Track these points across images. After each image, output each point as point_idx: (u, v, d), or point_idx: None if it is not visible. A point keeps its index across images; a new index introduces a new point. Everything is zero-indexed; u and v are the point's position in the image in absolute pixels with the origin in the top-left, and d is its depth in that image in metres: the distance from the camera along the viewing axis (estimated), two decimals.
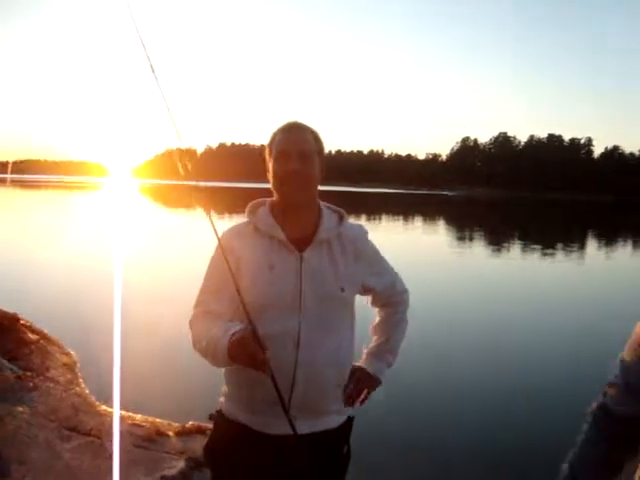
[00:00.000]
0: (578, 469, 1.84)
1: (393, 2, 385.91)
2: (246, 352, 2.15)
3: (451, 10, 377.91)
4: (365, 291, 2.68)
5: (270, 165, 2.49)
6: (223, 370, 2.57)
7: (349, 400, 2.59)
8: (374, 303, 2.79)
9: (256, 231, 2.50)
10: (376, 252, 2.69)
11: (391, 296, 2.76)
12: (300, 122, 2.54)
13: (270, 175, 2.50)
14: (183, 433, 5.50)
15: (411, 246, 26.91)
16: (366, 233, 2.67)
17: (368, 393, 2.69)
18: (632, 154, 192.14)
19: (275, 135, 2.51)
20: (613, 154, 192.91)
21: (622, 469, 1.79)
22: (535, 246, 28.87)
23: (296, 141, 2.46)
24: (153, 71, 2.36)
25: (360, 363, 2.72)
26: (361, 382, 2.65)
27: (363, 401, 2.68)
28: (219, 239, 2.37)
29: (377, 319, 2.82)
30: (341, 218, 2.60)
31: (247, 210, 2.57)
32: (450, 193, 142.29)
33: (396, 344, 2.78)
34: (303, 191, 2.47)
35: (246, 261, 2.44)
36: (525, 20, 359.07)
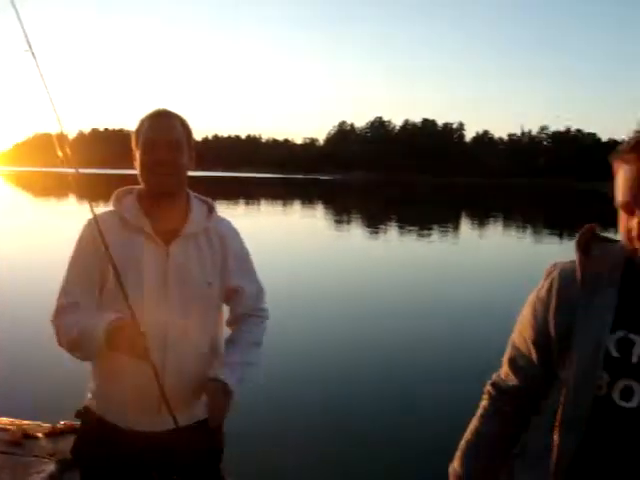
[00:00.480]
0: (474, 443, 1.90)
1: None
2: (127, 338, 2.14)
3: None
4: (232, 291, 2.58)
5: (137, 154, 2.40)
6: (91, 368, 2.50)
7: (213, 422, 2.45)
8: (236, 310, 2.64)
9: (122, 221, 2.41)
10: (246, 253, 2.64)
11: (255, 309, 2.66)
12: (168, 110, 2.46)
13: (137, 164, 2.41)
14: (54, 434, 5.23)
15: (290, 229, 26.99)
16: (236, 231, 2.63)
17: (225, 408, 2.51)
18: (501, 138, 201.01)
19: (142, 122, 2.42)
20: (483, 138, 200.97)
21: (517, 441, 1.84)
22: (411, 227, 29.64)
23: (164, 129, 2.37)
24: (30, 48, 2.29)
25: (216, 372, 2.54)
26: (218, 398, 2.47)
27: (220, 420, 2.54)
28: (84, 227, 2.38)
29: (237, 330, 2.65)
30: (210, 210, 2.55)
31: (113, 198, 2.46)
32: (327, 177, 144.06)
33: (253, 360, 2.62)
34: (171, 181, 2.39)
35: (116, 256, 2.32)
36: (396, 4, 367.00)
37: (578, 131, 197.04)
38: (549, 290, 1.70)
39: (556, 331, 1.67)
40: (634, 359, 1.53)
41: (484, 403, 1.92)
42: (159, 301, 2.35)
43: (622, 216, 1.54)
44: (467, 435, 1.93)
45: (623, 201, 1.52)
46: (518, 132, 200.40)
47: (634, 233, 1.50)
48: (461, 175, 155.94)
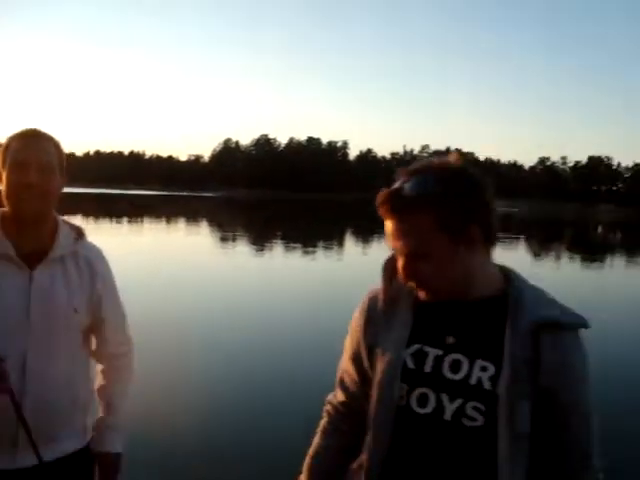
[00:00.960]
0: (316, 458, 2.01)
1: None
2: None
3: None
4: (98, 321, 2.47)
5: (4, 175, 2.24)
6: None
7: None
8: (101, 345, 2.54)
9: None
10: (112, 279, 2.54)
11: (120, 342, 2.57)
12: (40, 130, 2.31)
13: (3, 185, 2.25)
14: None
15: (173, 248, 26.56)
16: (103, 256, 2.53)
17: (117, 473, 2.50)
18: (384, 157, 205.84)
19: (11, 141, 2.27)
20: (367, 156, 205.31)
21: (356, 455, 1.91)
22: (295, 244, 29.77)
23: (36, 151, 2.24)
24: None
25: (100, 443, 2.49)
26: (111, 469, 2.46)
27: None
28: None
29: (106, 382, 2.56)
30: (79, 235, 2.44)
31: None
32: (212, 194, 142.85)
33: (122, 406, 2.56)
34: (40, 206, 2.26)
35: None
36: (263, 18, 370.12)
37: (457, 150, 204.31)
38: (360, 312, 1.90)
39: (365, 348, 1.84)
40: (427, 369, 1.71)
41: (323, 421, 2.05)
42: (20, 327, 2.22)
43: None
44: (310, 450, 2.04)
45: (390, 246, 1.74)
46: (401, 151, 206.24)
47: (400, 272, 1.72)
48: (346, 191, 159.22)
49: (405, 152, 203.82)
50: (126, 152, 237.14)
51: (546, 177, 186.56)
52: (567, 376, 1.66)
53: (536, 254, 31.88)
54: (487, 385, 1.66)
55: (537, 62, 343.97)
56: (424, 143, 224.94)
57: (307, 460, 2.03)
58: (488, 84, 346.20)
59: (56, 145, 2.32)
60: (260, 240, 32.06)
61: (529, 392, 1.63)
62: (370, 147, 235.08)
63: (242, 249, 27.57)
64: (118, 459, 2.46)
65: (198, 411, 6.88)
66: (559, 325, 1.66)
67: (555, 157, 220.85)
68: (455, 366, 1.69)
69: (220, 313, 12.65)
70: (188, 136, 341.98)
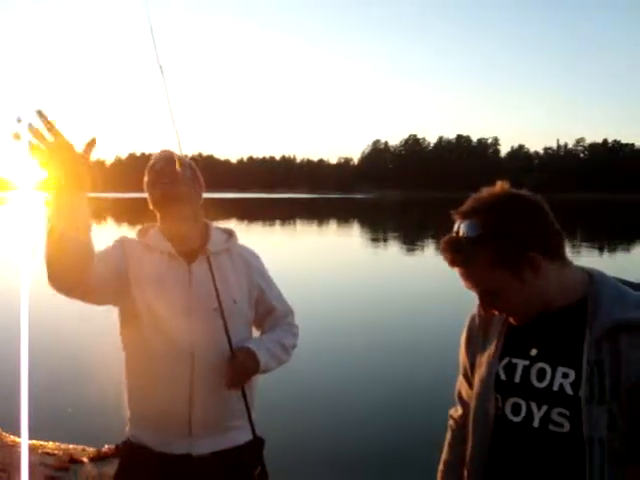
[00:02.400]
0: (444, 471, 2.12)
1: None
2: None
3: (360, 14, 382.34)
4: (265, 312, 2.66)
5: (148, 188, 2.56)
6: (125, 396, 2.54)
7: (231, 383, 2.40)
8: (269, 324, 2.69)
9: (147, 249, 2.53)
10: (269, 275, 2.73)
11: (288, 324, 2.73)
12: (168, 151, 2.57)
13: (148, 197, 2.57)
14: (99, 458, 5.29)
15: (326, 249, 26.98)
16: (257, 254, 2.74)
17: (247, 375, 2.47)
18: (537, 152, 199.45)
19: (151, 160, 2.60)
20: (519, 152, 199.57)
21: None
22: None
23: (167, 167, 2.50)
24: (163, 71, 2.46)
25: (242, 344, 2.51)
26: (243, 359, 2.43)
27: (241, 383, 2.45)
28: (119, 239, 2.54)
29: (268, 330, 2.68)
30: (230, 235, 2.67)
31: (137, 233, 2.61)
32: (362, 196, 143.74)
33: (284, 347, 2.64)
34: (172, 190, 2.48)
35: (137, 274, 2.46)
36: (426, 21, 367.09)
37: (615, 141, 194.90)
38: (465, 331, 2.04)
39: (469, 364, 2.00)
40: (516, 379, 1.81)
41: (448, 435, 2.17)
42: (184, 318, 2.41)
43: None
44: (440, 466, 2.15)
45: None
46: (554, 145, 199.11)
47: (479, 307, 1.86)
48: None
49: (559, 146, 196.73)
50: (277, 157, 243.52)
51: None
52: None
53: None
54: (569, 390, 1.70)
55: None
56: (579, 136, 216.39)
57: (438, 475, 2.14)
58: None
59: (188, 163, 2.59)
60: (411, 240, 31.95)
61: (610, 395, 1.64)
62: (522, 143, 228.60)
63: (392, 250, 27.59)
64: (256, 362, 2.45)
65: (324, 412, 7.03)
66: (636, 324, 1.65)
67: None
68: (540, 375, 1.77)
69: (359, 313, 12.76)
70: (337, 139, 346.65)
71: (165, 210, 2.53)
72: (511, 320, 1.85)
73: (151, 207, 2.56)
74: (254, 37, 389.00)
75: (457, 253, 1.74)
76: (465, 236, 1.72)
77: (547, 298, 1.76)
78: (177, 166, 2.46)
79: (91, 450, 5.45)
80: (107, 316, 2.66)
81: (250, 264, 2.63)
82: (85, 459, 5.25)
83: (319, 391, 7.62)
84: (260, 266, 2.69)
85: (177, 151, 2.52)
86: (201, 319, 2.43)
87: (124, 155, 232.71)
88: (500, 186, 1.76)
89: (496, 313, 1.85)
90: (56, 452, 5.32)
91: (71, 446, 5.53)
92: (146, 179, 2.55)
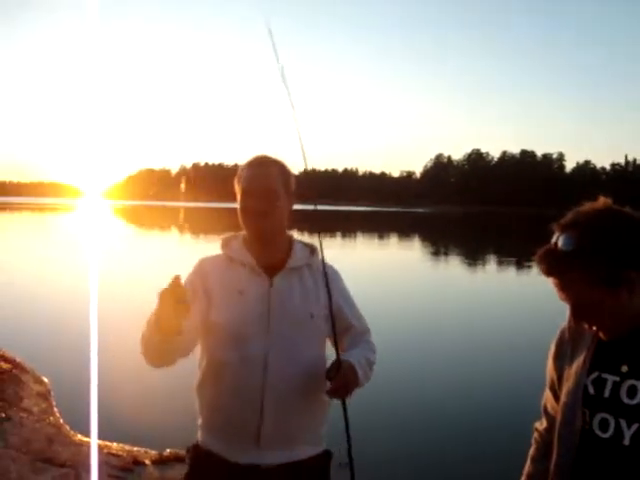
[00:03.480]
0: None
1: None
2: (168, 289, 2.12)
3: (416, 26, 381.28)
4: (344, 329, 2.61)
5: (238, 199, 2.53)
6: (197, 403, 2.58)
7: (333, 391, 2.40)
8: (349, 342, 2.65)
9: (228, 260, 2.55)
10: (349, 293, 2.71)
11: (363, 333, 2.70)
12: (267, 156, 2.56)
13: (238, 210, 2.54)
14: (161, 461, 5.39)
15: (385, 262, 26.92)
16: (337, 272, 2.71)
17: (349, 389, 2.43)
18: (603, 168, 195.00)
19: (242, 170, 2.54)
20: (585, 169, 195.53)
21: None
22: (510, 259, 29.04)
23: (259, 179, 2.48)
24: (284, 74, 2.48)
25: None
26: (346, 371, 2.40)
27: (345, 394, 2.42)
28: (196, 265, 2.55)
29: (353, 347, 2.65)
30: (312, 251, 2.64)
31: (221, 244, 2.62)
32: (425, 210, 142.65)
33: (370, 364, 2.61)
34: (266, 226, 2.49)
35: (218, 288, 2.49)
36: (488, 33, 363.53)
37: None
38: (554, 343, 2.04)
39: (557, 377, 1.98)
40: (606, 394, 1.79)
41: (532, 448, 2.17)
42: (260, 330, 2.43)
43: None
44: (523, 478, 2.15)
45: None
46: (622, 161, 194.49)
47: (570, 319, 1.91)
48: (564, 206, 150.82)
49: (627, 162, 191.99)
50: (340, 169, 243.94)
51: None
52: None
53: None
54: None
55: None
56: None
57: None
58: None
59: (281, 169, 2.56)
60: (470, 255, 31.65)
61: None
62: (588, 158, 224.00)
63: (451, 264, 27.37)
64: (356, 377, 2.43)
65: (405, 428, 7.03)
66: None
67: None
68: (631, 392, 1.74)
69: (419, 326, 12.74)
70: (401, 153, 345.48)
71: (249, 232, 2.54)
72: (600, 335, 1.84)
73: (240, 218, 2.54)
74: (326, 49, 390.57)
75: (553, 264, 1.76)
76: (562, 249, 1.74)
77: (638, 318, 1.77)
78: (273, 183, 2.47)
79: (153, 453, 5.55)
80: None
81: (332, 283, 2.57)
82: (147, 461, 5.35)
83: (397, 407, 7.60)
84: (340, 283, 2.68)
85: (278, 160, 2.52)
86: (277, 332, 2.43)
87: (189, 165, 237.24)
88: (603, 201, 1.77)
89: (586, 326, 1.85)
90: (120, 453, 5.44)
91: (135, 448, 5.64)
92: (239, 189, 2.51)
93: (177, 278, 2.12)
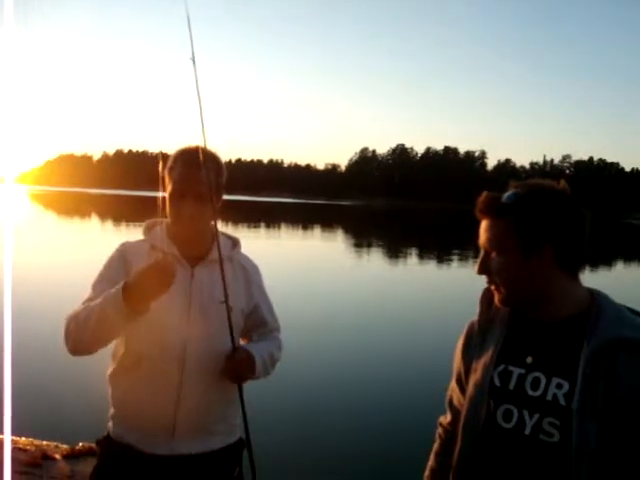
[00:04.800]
0: (429, 478, 2.15)
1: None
2: (157, 266, 2.16)
3: (339, 21, 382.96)
4: (257, 322, 2.66)
5: (167, 192, 2.48)
6: (110, 392, 2.54)
7: (225, 371, 2.42)
8: (255, 332, 2.69)
9: (152, 249, 2.50)
10: (265, 289, 2.73)
11: (273, 330, 2.74)
12: (202, 151, 2.44)
13: (167, 202, 2.48)
14: (72, 455, 5.24)
15: (308, 253, 27.00)
16: (257, 267, 2.73)
17: (241, 374, 2.46)
18: (523, 167, 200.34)
19: (175, 162, 2.48)
20: (505, 167, 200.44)
21: None
22: (431, 254, 29.52)
23: (193, 181, 2.41)
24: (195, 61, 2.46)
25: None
26: (241, 358, 2.45)
27: (237, 379, 2.46)
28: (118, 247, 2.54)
29: (257, 340, 2.70)
30: (235, 244, 2.67)
31: (144, 229, 2.60)
32: (348, 203, 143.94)
33: (272, 360, 2.65)
34: (195, 229, 2.50)
35: None
36: (421, 33, 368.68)
37: (601, 160, 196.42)
38: (463, 336, 2.07)
39: (464, 370, 2.01)
40: (511, 386, 1.83)
41: (435, 444, 2.20)
42: (180, 321, 2.42)
43: None
44: (426, 472, 2.18)
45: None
46: (540, 161, 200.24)
47: (477, 265, 1.90)
48: None
49: (545, 162, 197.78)
50: (265, 160, 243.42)
51: None
52: None
53: None
54: (562, 401, 1.73)
55: None
56: (565, 153, 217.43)
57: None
58: (632, 95, 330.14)
59: (217, 169, 2.53)
60: (392, 248, 32.04)
61: (602, 410, 1.67)
62: (509, 157, 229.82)
63: (373, 256, 27.65)
64: (252, 367, 2.46)
65: (312, 418, 7.04)
66: (634, 344, 1.69)
67: None
68: (535, 383, 1.79)
69: (332, 317, 12.80)
70: (325, 145, 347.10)
71: (177, 230, 2.51)
72: (496, 299, 1.90)
73: (167, 206, 2.48)
74: (254, 36, 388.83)
75: (490, 206, 1.85)
76: (503, 200, 1.83)
77: (543, 300, 1.83)
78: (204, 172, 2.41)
79: (64, 447, 5.39)
80: None
81: (250, 276, 2.64)
82: (58, 456, 5.19)
83: (305, 397, 7.59)
84: (259, 279, 2.70)
85: (200, 148, 2.44)
86: (197, 322, 2.42)
87: (111, 151, 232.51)
88: (563, 184, 1.86)
89: (485, 281, 1.91)
90: (28, 448, 5.27)
91: (44, 442, 5.47)
92: (171, 186, 2.45)
93: (167, 257, 2.20)
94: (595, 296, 1.84)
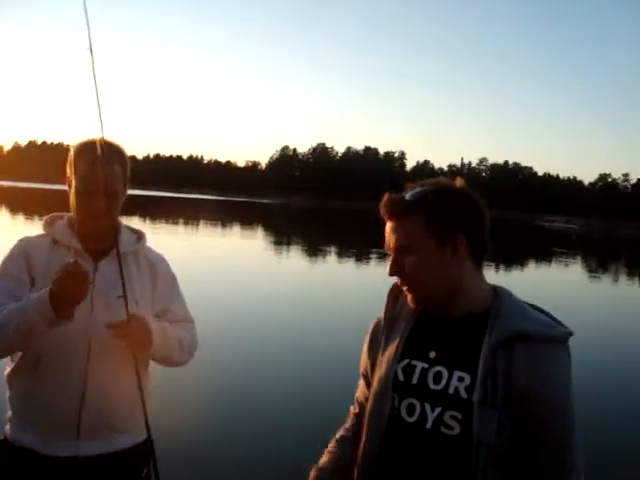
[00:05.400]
0: (323, 468, 2.10)
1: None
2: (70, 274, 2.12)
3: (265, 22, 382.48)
4: (163, 313, 2.60)
5: (72, 190, 2.43)
6: (8, 394, 2.46)
7: (114, 327, 2.34)
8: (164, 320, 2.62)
9: (52, 243, 2.47)
10: (174, 280, 2.69)
11: (184, 321, 2.69)
12: (107, 145, 2.38)
13: (72, 196, 2.45)
14: None
15: (228, 250, 26.88)
16: (164, 259, 2.70)
17: (135, 338, 2.37)
18: (441, 169, 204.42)
19: (78, 158, 2.40)
20: (424, 168, 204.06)
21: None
22: (351, 251, 29.77)
23: (103, 179, 2.35)
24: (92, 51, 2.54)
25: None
26: (136, 322, 2.37)
27: (130, 342, 2.37)
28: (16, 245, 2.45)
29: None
30: (140, 237, 2.64)
31: (44, 223, 2.54)
32: (268, 201, 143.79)
33: (180, 341, 2.58)
34: (106, 225, 2.44)
35: (42, 272, 2.39)
36: (343, 33, 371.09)
37: (515, 164, 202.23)
38: (369, 332, 2.10)
39: (370, 365, 2.03)
40: (414, 381, 1.85)
41: (340, 428, 2.19)
42: (83, 316, 2.33)
43: None
44: (324, 454, 2.14)
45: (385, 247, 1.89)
46: (458, 163, 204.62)
47: (389, 268, 1.89)
48: None
49: (462, 165, 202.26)
50: (185, 156, 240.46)
51: (606, 194, 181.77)
52: (539, 388, 1.71)
53: (593, 272, 31.31)
54: (463, 394, 1.76)
55: (602, 78, 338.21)
56: (482, 156, 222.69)
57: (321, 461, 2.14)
58: (547, 99, 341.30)
59: (121, 160, 2.48)
60: (311, 246, 32.19)
61: (501, 402, 1.71)
62: (427, 158, 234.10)
63: (292, 254, 27.73)
64: (149, 331, 2.39)
65: (223, 415, 6.98)
66: (532, 336, 1.74)
67: (617, 174, 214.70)
68: (437, 377, 1.82)
69: (249, 314, 12.79)
70: (246, 142, 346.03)
71: (85, 225, 2.46)
72: (409, 299, 1.90)
73: (72, 201, 2.45)
74: (164, 31, 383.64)
75: (395, 207, 1.85)
76: (407, 198, 1.85)
77: (454, 294, 1.86)
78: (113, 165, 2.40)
79: None
80: None
81: (156, 269, 2.61)
82: None
83: (218, 397, 7.48)
84: (166, 271, 2.66)
85: (101, 140, 2.36)
86: (100, 320, 2.35)
87: (24, 142, 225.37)
88: (461, 182, 1.90)
89: (398, 282, 1.92)
90: None
91: None
92: (76, 182, 2.39)
93: (77, 263, 2.14)
94: (498, 292, 1.89)
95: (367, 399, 2.01)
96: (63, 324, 2.21)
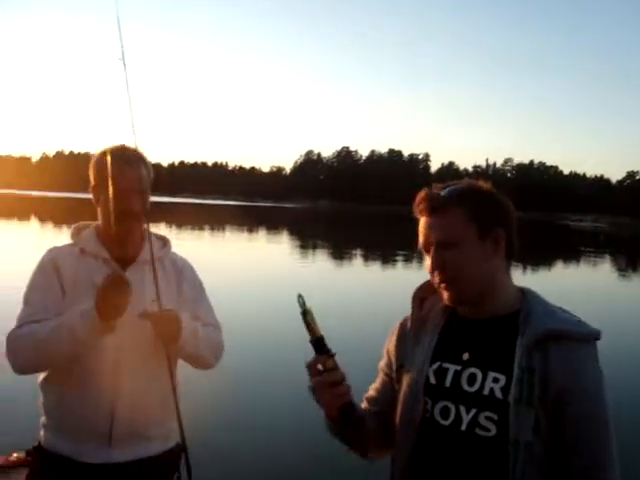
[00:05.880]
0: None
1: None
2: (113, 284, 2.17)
3: (296, 23, 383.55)
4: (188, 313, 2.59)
5: (102, 194, 2.42)
6: (42, 400, 2.48)
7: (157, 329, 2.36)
8: None
9: (82, 253, 2.48)
10: (201, 285, 2.70)
11: (212, 326, 2.68)
12: (132, 153, 2.47)
13: (101, 203, 2.46)
14: (6, 466, 5.09)
15: (254, 256, 26.95)
16: (190, 264, 2.71)
17: (171, 327, 2.39)
18: (466, 169, 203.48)
19: (109, 161, 2.37)
20: (449, 169, 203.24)
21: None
22: (376, 254, 29.70)
23: (135, 180, 2.43)
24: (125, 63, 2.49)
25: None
26: (167, 313, 2.39)
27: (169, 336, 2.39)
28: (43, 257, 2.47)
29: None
30: (165, 243, 2.65)
31: (71, 233, 2.56)
32: (293, 205, 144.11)
33: (209, 340, 2.59)
34: (138, 226, 2.48)
35: (71, 281, 2.41)
36: (368, 34, 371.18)
37: (541, 164, 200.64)
38: (392, 334, 2.08)
39: (396, 366, 2.01)
40: (447, 383, 1.85)
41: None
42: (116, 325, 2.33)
43: (425, 257, 1.89)
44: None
45: (420, 245, 1.89)
46: (483, 164, 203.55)
47: (428, 270, 1.87)
48: None
49: (487, 165, 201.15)
50: (209, 163, 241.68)
51: (635, 192, 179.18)
52: (575, 386, 1.72)
53: (622, 271, 30.96)
54: (499, 394, 1.75)
55: (621, 76, 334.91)
56: (507, 157, 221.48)
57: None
58: (574, 98, 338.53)
59: (146, 165, 2.52)
60: (338, 250, 32.17)
61: (537, 401, 1.70)
62: (452, 160, 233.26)
63: (319, 258, 27.72)
64: (180, 323, 2.40)
65: (253, 423, 7.04)
66: (565, 336, 1.75)
67: None
68: (471, 379, 1.82)
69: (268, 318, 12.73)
70: (271, 148, 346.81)
71: (119, 230, 2.41)
72: (446, 297, 1.87)
73: (102, 206, 2.46)
74: (188, 38, 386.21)
75: (435, 202, 1.84)
76: (444, 195, 1.85)
77: (490, 292, 1.85)
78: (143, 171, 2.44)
79: None
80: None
81: (182, 274, 2.62)
82: None
83: (249, 404, 7.52)
84: (192, 277, 2.67)
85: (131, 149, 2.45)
86: (130, 327, 2.35)
87: (52, 153, 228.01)
88: (487, 183, 1.91)
89: (437, 280, 1.87)
90: None
91: None
92: (109, 186, 2.35)
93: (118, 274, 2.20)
94: (525, 293, 1.89)
95: (379, 394, 2.06)
96: (109, 333, 2.25)
